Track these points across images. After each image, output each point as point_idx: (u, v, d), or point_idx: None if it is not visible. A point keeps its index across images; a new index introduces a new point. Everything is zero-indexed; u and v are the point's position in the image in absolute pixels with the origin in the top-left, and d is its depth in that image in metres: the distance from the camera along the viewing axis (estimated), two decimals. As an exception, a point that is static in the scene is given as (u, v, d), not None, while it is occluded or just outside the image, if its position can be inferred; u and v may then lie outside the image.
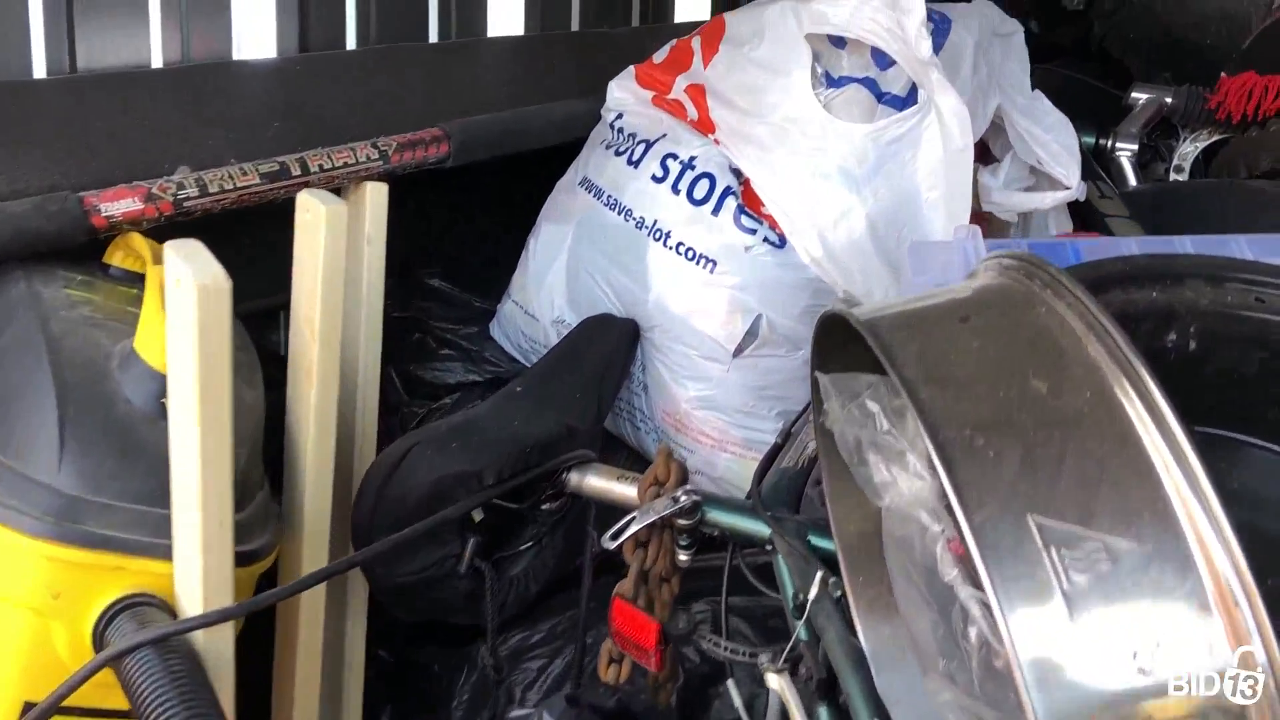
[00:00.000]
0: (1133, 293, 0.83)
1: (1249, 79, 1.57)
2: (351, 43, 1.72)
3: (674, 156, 1.31)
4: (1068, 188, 1.28)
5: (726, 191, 1.25)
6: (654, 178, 1.31)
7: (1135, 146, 1.67)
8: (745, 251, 1.24)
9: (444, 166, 1.46)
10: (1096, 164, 1.65)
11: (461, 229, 1.72)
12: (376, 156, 1.37)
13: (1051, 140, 1.28)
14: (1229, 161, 1.61)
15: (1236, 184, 1.49)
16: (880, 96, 1.24)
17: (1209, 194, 1.51)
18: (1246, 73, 1.59)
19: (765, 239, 1.24)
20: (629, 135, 1.39)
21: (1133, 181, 1.68)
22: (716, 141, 1.29)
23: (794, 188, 1.22)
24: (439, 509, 1.04)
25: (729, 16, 1.37)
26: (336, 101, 1.54)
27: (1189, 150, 1.71)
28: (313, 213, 1.13)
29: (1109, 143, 1.68)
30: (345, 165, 1.34)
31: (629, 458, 1.45)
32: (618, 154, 1.38)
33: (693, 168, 1.28)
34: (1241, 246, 0.93)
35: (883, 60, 1.24)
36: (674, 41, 1.44)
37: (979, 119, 1.26)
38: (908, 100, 1.24)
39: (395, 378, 1.53)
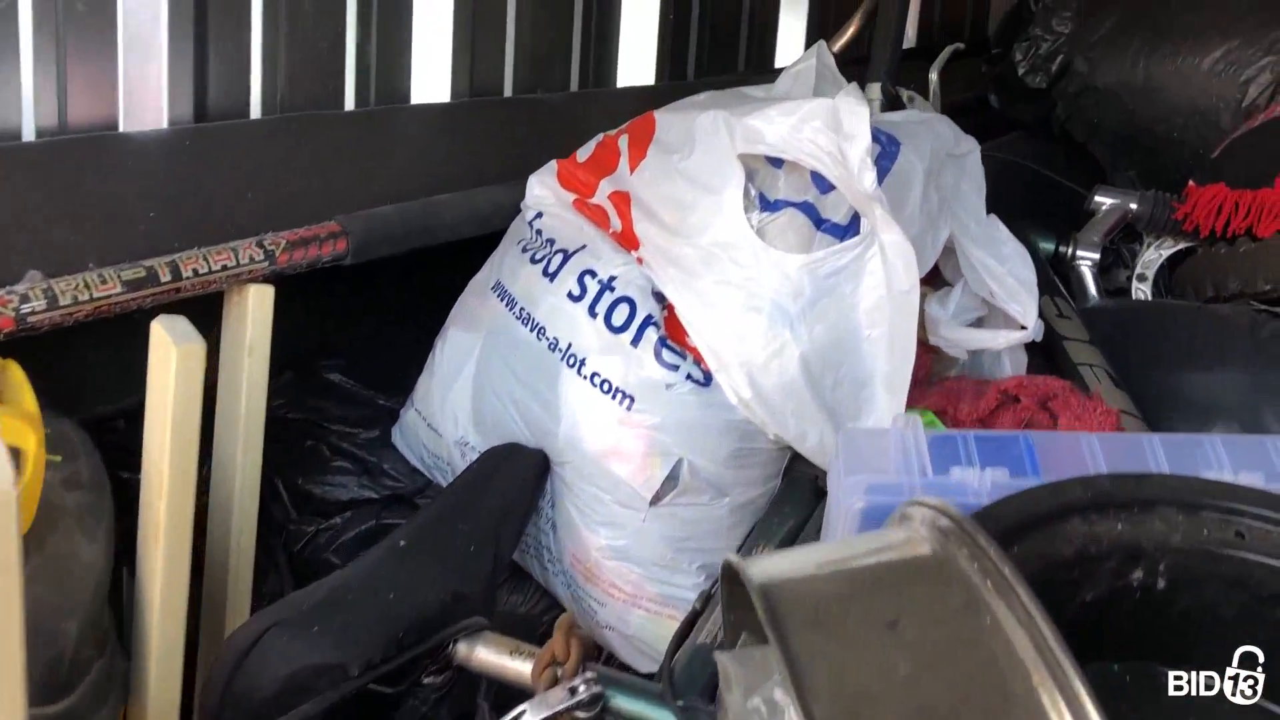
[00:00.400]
0: (1095, 523, 0.71)
1: (1219, 192, 1.47)
2: (256, 111, 1.57)
3: (592, 274, 1.18)
4: (1024, 327, 1.16)
5: (647, 321, 1.13)
6: (570, 295, 1.18)
7: (1097, 255, 1.56)
8: (666, 389, 1.11)
9: (341, 265, 1.32)
10: (1055, 273, 1.54)
11: (369, 317, 1.58)
12: (262, 257, 1.23)
13: (1006, 274, 1.16)
14: (1195, 278, 1.51)
15: (1204, 309, 1.39)
16: (819, 223, 1.11)
17: (1175, 317, 1.40)
18: (1216, 185, 1.48)
19: (689, 376, 1.11)
20: (547, 240, 1.26)
21: (1093, 292, 1.57)
22: (640, 260, 1.17)
23: (722, 320, 1.10)
24: (297, 703, 0.90)
25: (659, 116, 1.25)
26: (228, 184, 1.39)
27: (1153, 257, 1.61)
28: (163, 351, 0.98)
29: (1069, 250, 1.57)
30: (224, 268, 1.19)
31: (535, 590, 1.32)
32: (534, 261, 1.25)
33: (612, 289, 1.16)
34: (1216, 448, 0.81)
35: (823, 183, 1.12)
36: (600, 137, 1.31)
37: (927, 253, 1.14)
38: (849, 229, 1.12)
39: (282, 491, 1.38)
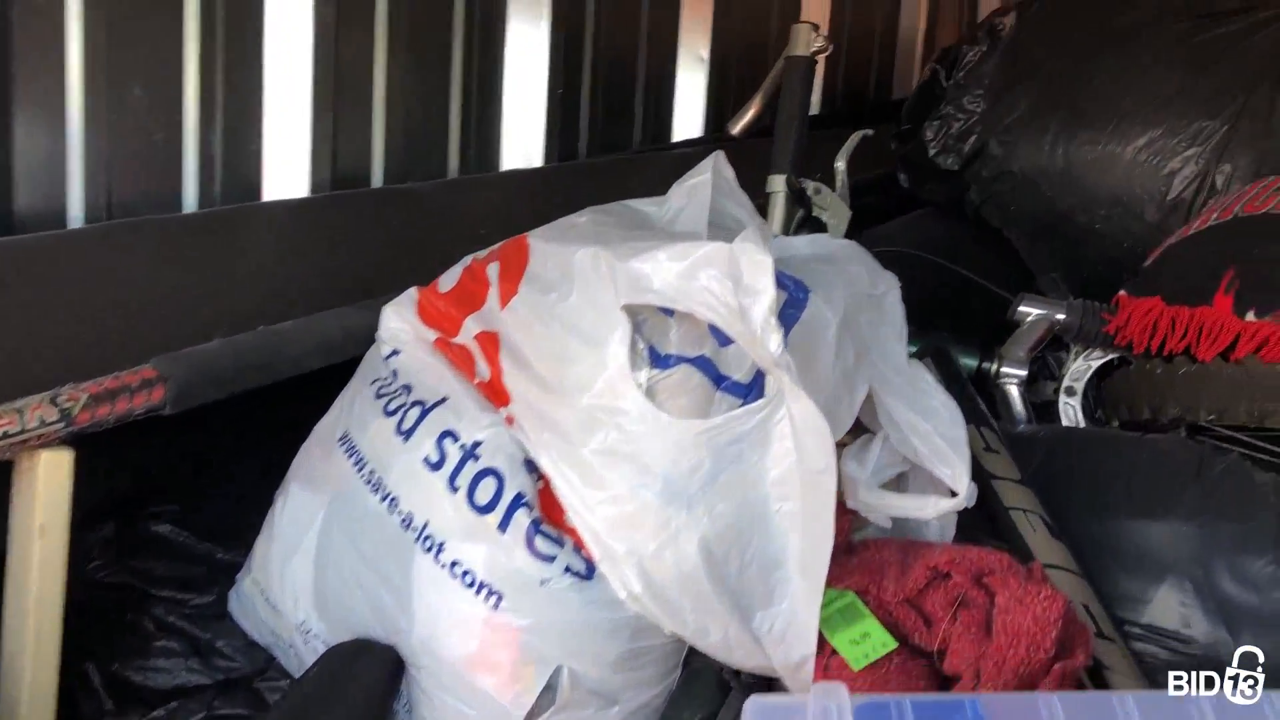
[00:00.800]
0: None
1: (1154, 307, 1.35)
2: (76, 218, 1.37)
3: (453, 436, 1.00)
4: (954, 493, 1.01)
5: (518, 500, 0.95)
6: (427, 461, 1.00)
7: (1024, 372, 1.43)
8: (540, 585, 0.93)
9: (160, 415, 1.12)
10: (977, 389, 1.40)
11: (206, 454, 1.37)
12: (56, 418, 1.02)
13: (933, 432, 1.01)
14: (1129, 397, 1.38)
15: (1146, 442, 1.25)
16: (719, 381, 0.95)
17: (1114, 451, 1.26)
18: (1151, 299, 1.36)
19: (568, 568, 0.94)
20: (403, 386, 1.07)
21: (1020, 412, 1.44)
22: (509, 419, 0.99)
23: (605, 500, 0.93)
24: None
25: (533, 244, 1.07)
26: (25, 318, 1.18)
27: (1081, 368, 1.48)
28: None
29: (993, 366, 1.44)
30: (6, 435, 0.99)
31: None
32: (388, 412, 1.06)
33: (476, 457, 0.98)
34: (1204, 713, 0.67)
35: (722, 334, 0.95)
36: (468, 261, 1.13)
37: (843, 417, 0.99)
38: (753, 387, 0.96)
39: (95, 678, 1.17)
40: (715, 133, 2.31)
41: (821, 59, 1.68)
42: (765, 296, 0.87)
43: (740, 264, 0.89)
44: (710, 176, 1.15)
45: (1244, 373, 1.24)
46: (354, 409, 1.11)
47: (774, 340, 0.87)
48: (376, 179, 1.70)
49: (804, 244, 1.13)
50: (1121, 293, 1.44)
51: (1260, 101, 1.67)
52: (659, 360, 0.95)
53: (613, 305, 0.95)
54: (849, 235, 1.59)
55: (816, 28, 1.61)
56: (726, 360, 0.96)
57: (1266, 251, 1.28)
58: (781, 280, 0.94)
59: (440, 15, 1.83)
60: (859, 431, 1.11)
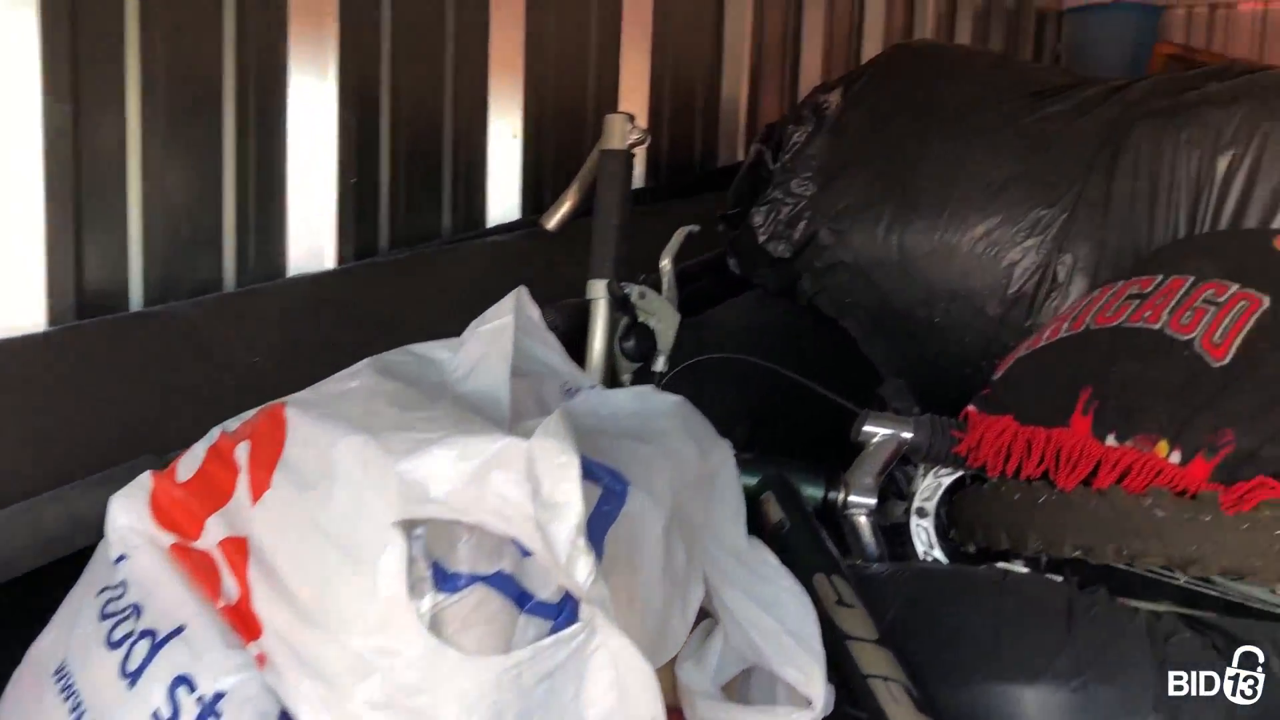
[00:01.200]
0: None
1: (1007, 428, 1.23)
2: None
3: (189, 685, 0.79)
4: (808, 703, 0.85)
5: (269, 776, 0.75)
6: (157, 717, 0.79)
7: (873, 501, 1.30)
8: None
9: None
10: (823, 524, 1.25)
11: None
12: None
13: (779, 629, 0.86)
14: (986, 523, 1.26)
15: (1010, 583, 1.12)
16: (522, 601, 0.77)
17: (974, 595, 1.13)
18: (1004, 417, 1.25)
19: None
20: (132, 606, 0.86)
21: (871, 545, 1.30)
22: (261, 659, 0.79)
23: (383, 766, 0.73)
24: None
25: (292, 417, 0.87)
26: None
27: (931, 485, 1.36)
28: None
29: (840, 496, 1.30)
30: None
31: None
32: (112, 644, 0.85)
33: (217, 715, 0.77)
34: None
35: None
36: (214, 437, 0.92)
37: (675, 631, 0.82)
38: (565, 606, 0.78)
39: None
40: (533, 215, 2.14)
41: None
42: (570, 511, 0.70)
43: (539, 468, 0.72)
44: (512, 318, 0.98)
45: (1109, 506, 1.13)
46: (74, 632, 0.89)
47: (582, 568, 0.70)
48: (135, 300, 1.46)
49: (625, 401, 0.97)
50: (971, 408, 1.32)
51: (1095, 188, 1.59)
52: (445, 581, 0.77)
53: (384, 516, 0.76)
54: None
55: (632, 119, 1.46)
56: (531, 575, 0.78)
57: (1124, 370, 1.18)
58: (594, 471, 0.78)
59: (207, 92, 1.60)
60: (699, 618, 0.95)
